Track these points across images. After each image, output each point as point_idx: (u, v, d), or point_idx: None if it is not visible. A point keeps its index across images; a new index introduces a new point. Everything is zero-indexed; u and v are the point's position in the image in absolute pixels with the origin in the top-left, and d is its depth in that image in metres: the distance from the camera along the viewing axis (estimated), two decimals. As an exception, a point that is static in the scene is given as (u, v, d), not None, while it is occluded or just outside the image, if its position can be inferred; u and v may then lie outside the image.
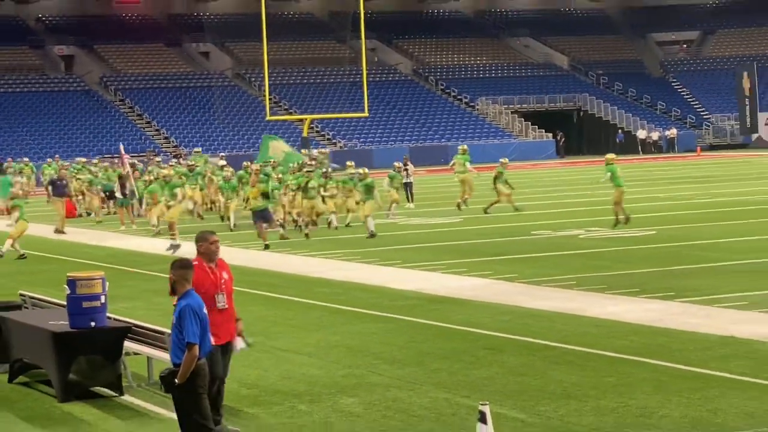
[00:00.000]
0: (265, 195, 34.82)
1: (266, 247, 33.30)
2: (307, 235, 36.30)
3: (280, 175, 39.29)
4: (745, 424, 13.26)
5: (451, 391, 15.58)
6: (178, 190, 33.36)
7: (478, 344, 18.81)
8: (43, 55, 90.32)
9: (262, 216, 34.28)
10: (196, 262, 13.30)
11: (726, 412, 13.82)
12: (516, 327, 19.82)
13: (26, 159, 63.33)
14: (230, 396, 15.61)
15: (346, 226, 38.52)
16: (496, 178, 41.14)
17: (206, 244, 13.54)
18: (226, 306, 13.50)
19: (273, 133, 76.80)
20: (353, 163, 41.54)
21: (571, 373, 16.29)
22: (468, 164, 42.95)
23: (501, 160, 42.45)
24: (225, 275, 13.60)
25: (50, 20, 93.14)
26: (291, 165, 42.02)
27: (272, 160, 44.71)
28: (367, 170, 38.30)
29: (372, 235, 34.35)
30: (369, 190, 35.85)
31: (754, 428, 13.10)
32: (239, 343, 14.02)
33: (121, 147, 50.39)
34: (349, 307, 23.10)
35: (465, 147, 44.95)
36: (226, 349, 13.54)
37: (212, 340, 12.92)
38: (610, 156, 36.69)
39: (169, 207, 33.91)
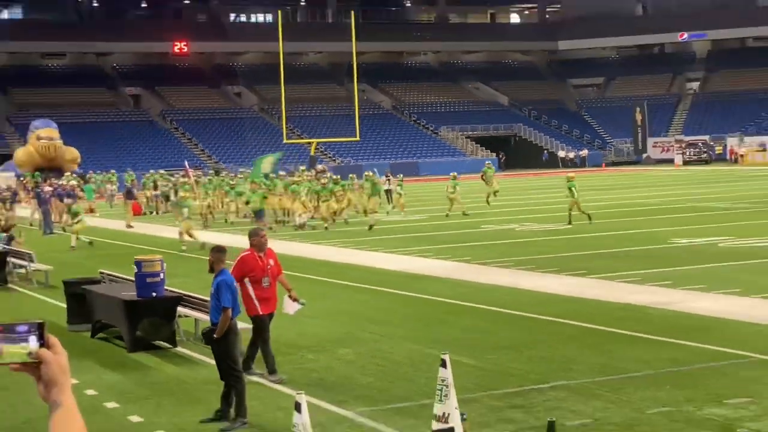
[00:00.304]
0: (265, 198, 35.23)
1: None
2: (326, 228, 35.54)
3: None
4: (638, 368, 13.28)
5: (421, 344, 15.57)
6: (185, 210, 32.57)
7: (441, 309, 18.81)
8: (116, 95, 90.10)
9: (259, 214, 34.51)
10: (248, 252, 13.36)
11: (625, 359, 13.84)
12: (469, 296, 19.82)
13: (113, 171, 63.12)
14: (256, 348, 15.59)
15: (345, 221, 38.30)
16: (483, 176, 40.79)
17: (257, 237, 13.50)
18: (270, 285, 13.32)
19: (289, 152, 76.98)
20: (371, 172, 40.68)
21: (510, 331, 16.30)
22: (457, 187, 39.37)
23: (486, 162, 41.74)
24: (271, 262, 13.44)
25: (122, 68, 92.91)
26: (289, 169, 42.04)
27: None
28: (371, 173, 37.97)
29: (371, 228, 34.10)
30: (375, 188, 35.20)
31: (645, 371, 13.12)
32: (295, 306, 13.98)
33: (186, 163, 50.00)
34: (345, 281, 23.09)
35: (455, 174, 41.05)
36: (271, 316, 13.46)
37: (260, 309, 13.17)
38: (571, 174, 35.23)
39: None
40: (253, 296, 13.23)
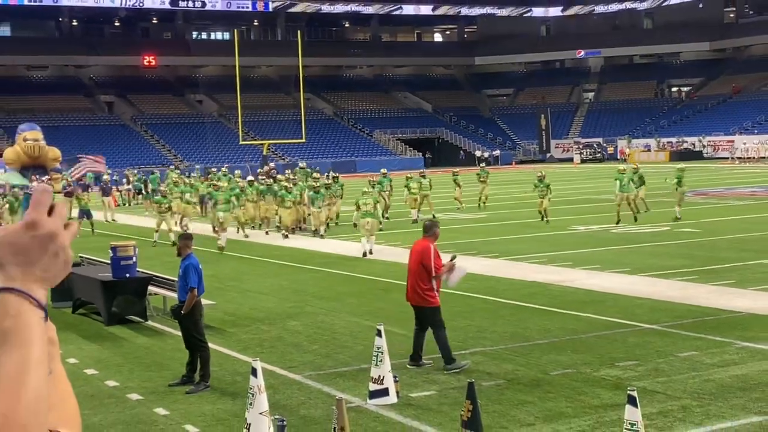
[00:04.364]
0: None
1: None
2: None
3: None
4: (543, 336, 13.42)
5: (359, 316, 15.57)
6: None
7: (376, 287, 18.83)
8: (93, 102, 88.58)
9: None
10: (431, 243, 12.13)
11: (531, 329, 13.97)
12: (400, 275, 19.81)
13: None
14: (217, 321, 15.49)
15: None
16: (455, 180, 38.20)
17: (437, 229, 12.42)
18: None
19: (244, 152, 76.47)
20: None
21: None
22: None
23: (454, 170, 39.13)
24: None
25: (98, 78, 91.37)
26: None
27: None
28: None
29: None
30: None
31: (548, 339, 13.25)
32: (461, 271, 12.34)
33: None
34: (292, 263, 23.00)
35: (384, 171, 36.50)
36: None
37: (438, 300, 11.97)
38: (681, 165, 30.12)
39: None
40: (435, 286, 12.00)
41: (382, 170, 36.67)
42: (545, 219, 29.42)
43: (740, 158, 71.27)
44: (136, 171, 56.59)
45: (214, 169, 47.27)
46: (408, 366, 11.91)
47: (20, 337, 1.45)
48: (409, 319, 14.97)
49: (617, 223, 27.92)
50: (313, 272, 21.41)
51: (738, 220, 28.18)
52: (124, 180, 52.00)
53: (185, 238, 12.21)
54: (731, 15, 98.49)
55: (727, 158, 73.00)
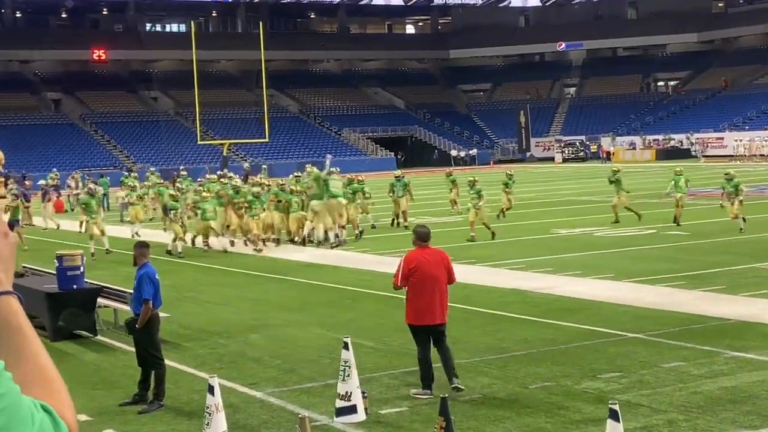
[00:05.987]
0: None
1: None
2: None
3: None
4: (521, 347, 13.46)
5: (325, 328, 15.56)
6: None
7: (344, 296, 18.81)
8: (39, 99, 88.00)
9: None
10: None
11: (509, 339, 14.02)
12: (370, 284, 19.85)
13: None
14: (172, 335, 15.41)
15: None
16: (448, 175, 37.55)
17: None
18: None
19: (203, 152, 76.24)
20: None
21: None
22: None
23: (448, 170, 38.43)
24: None
25: (44, 74, 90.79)
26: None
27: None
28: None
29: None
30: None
31: (527, 350, 13.30)
32: None
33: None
34: (255, 272, 22.95)
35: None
36: None
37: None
38: (729, 171, 28.99)
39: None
40: None
41: (396, 172, 35.90)
42: (489, 231, 27.20)
43: (729, 156, 71.94)
44: (81, 174, 55.99)
45: (184, 173, 46.68)
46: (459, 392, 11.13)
47: (31, 330, 1.85)
48: (378, 330, 14.95)
49: (677, 224, 27.77)
50: (277, 281, 21.36)
51: (728, 222, 28.39)
52: (67, 184, 51.11)
53: (141, 246, 12.12)
54: (720, 4, 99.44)
55: (696, 158, 73.95)
